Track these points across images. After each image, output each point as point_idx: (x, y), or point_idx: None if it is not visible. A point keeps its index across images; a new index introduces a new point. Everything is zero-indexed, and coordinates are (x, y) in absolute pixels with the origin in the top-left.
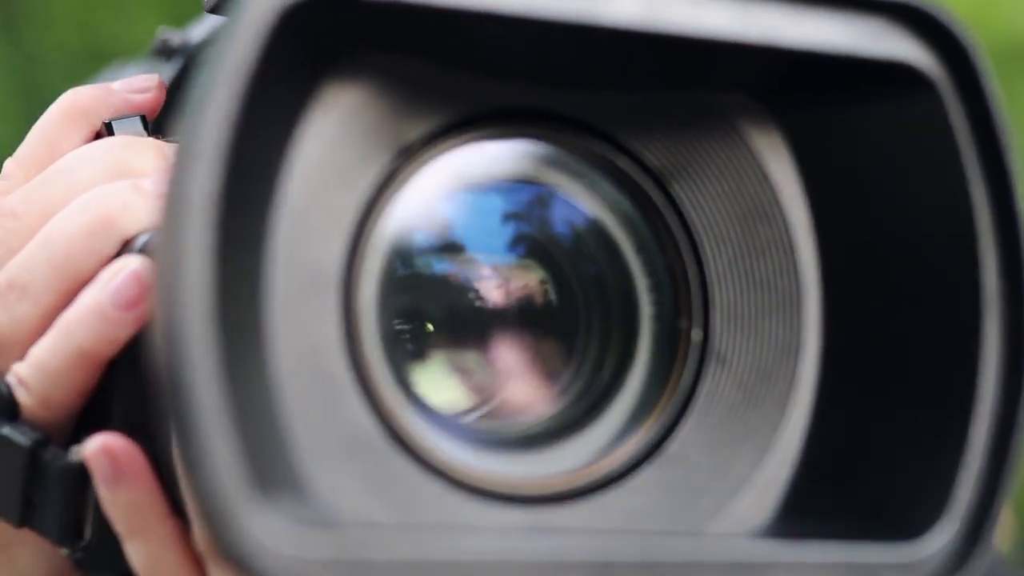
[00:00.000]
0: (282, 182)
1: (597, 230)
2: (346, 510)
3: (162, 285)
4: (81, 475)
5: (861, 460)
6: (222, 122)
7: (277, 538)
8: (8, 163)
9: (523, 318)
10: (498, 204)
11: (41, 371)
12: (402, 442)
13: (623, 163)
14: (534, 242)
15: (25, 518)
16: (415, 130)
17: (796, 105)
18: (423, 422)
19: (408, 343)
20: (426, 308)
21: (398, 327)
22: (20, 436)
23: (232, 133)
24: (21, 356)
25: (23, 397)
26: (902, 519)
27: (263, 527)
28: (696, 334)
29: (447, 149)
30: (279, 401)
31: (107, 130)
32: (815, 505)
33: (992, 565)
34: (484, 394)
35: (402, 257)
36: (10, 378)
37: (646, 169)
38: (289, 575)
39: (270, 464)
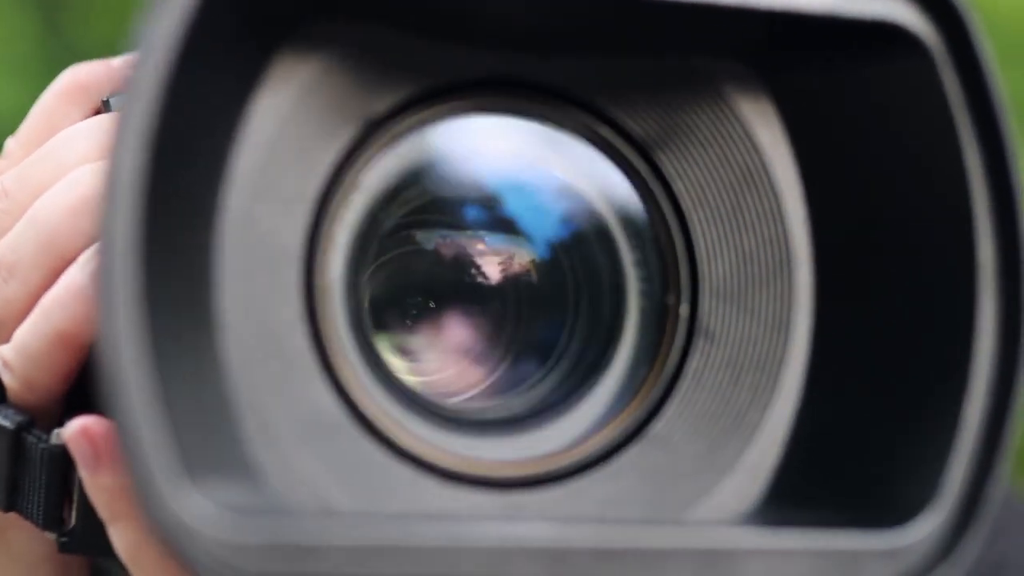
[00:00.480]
0: (235, 157)
1: (581, 203)
2: (302, 495)
3: (95, 264)
4: (64, 459)
5: (850, 443)
6: (147, 101)
7: (206, 521)
8: (9, 141)
9: (509, 296)
10: (478, 178)
11: (22, 353)
12: (368, 424)
13: (605, 133)
14: (518, 217)
15: (12, 502)
16: (382, 102)
17: (783, 68)
18: (393, 403)
19: (379, 320)
20: (401, 285)
21: (368, 304)
22: (3, 419)
23: (159, 109)
24: (8, 338)
25: (8, 380)
26: (890, 505)
27: (190, 510)
28: (684, 309)
29: (418, 121)
30: (231, 381)
31: (105, 107)
32: (801, 490)
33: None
34: (463, 375)
35: (375, 233)
36: None
37: (629, 139)
38: (218, 559)
39: (210, 447)
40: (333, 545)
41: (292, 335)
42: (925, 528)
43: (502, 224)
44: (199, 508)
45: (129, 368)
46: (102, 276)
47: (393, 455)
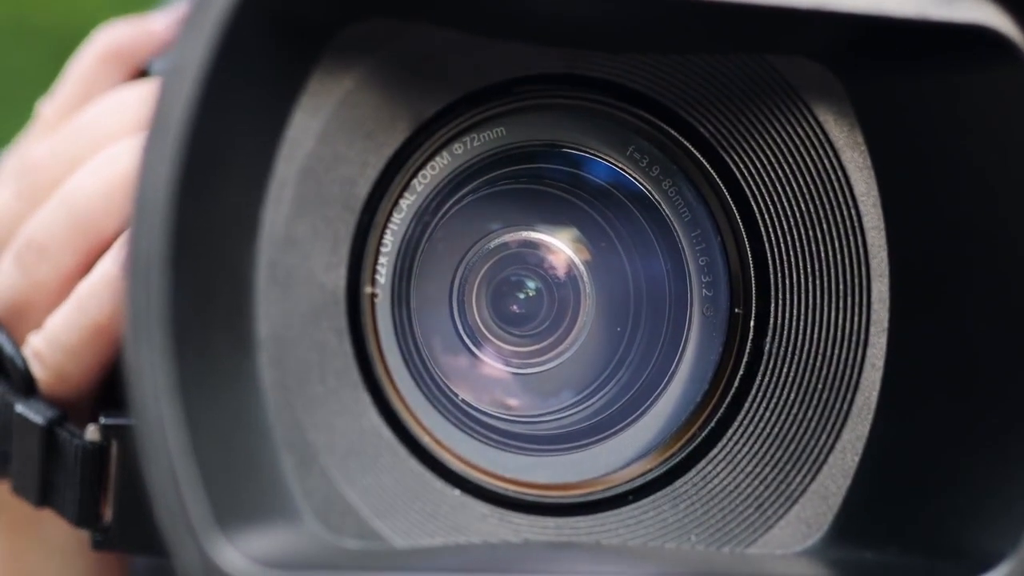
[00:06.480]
0: (275, 169)
1: (647, 205)
2: (347, 528)
3: (123, 285)
4: (99, 455)
5: (922, 476)
6: (179, 119)
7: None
8: (43, 106)
9: (571, 302)
10: (540, 176)
11: (55, 345)
12: (416, 445)
13: (672, 132)
14: (580, 220)
15: (45, 498)
16: (432, 104)
17: (864, 71)
18: (441, 420)
19: (434, 332)
20: (450, 293)
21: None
22: (34, 414)
23: (191, 128)
24: (40, 323)
25: (39, 371)
26: (962, 551)
27: (223, 566)
28: (751, 323)
29: (474, 122)
30: (272, 407)
31: (144, 73)
32: (868, 526)
33: None
34: (524, 389)
35: (427, 239)
36: (26, 351)
37: (700, 140)
38: None
39: (246, 490)
40: None
41: (337, 352)
42: None
43: (562, 226)
44: (231, 563)
45: (164, 423)
46: (131, 301)
47: (443, 479)
